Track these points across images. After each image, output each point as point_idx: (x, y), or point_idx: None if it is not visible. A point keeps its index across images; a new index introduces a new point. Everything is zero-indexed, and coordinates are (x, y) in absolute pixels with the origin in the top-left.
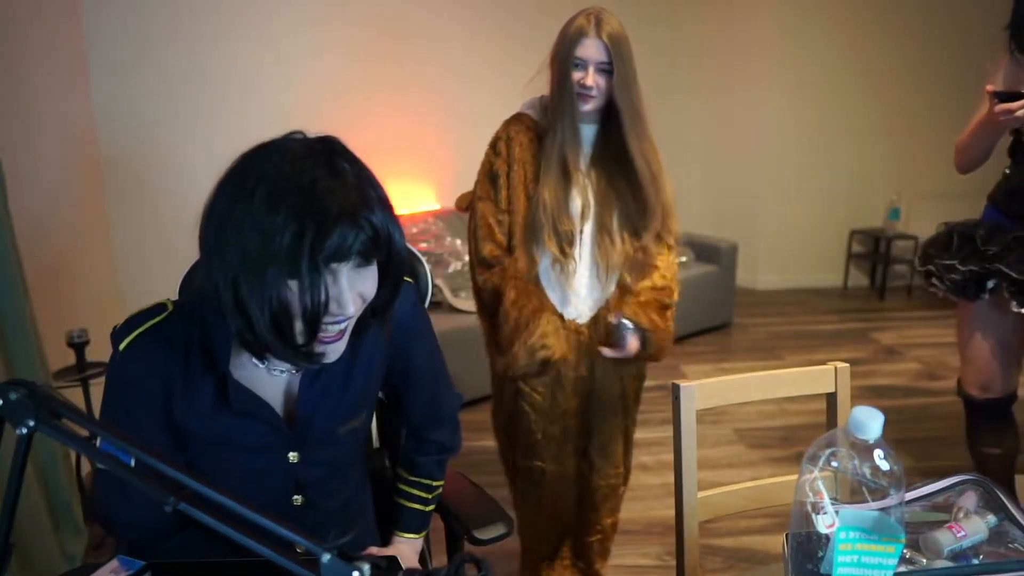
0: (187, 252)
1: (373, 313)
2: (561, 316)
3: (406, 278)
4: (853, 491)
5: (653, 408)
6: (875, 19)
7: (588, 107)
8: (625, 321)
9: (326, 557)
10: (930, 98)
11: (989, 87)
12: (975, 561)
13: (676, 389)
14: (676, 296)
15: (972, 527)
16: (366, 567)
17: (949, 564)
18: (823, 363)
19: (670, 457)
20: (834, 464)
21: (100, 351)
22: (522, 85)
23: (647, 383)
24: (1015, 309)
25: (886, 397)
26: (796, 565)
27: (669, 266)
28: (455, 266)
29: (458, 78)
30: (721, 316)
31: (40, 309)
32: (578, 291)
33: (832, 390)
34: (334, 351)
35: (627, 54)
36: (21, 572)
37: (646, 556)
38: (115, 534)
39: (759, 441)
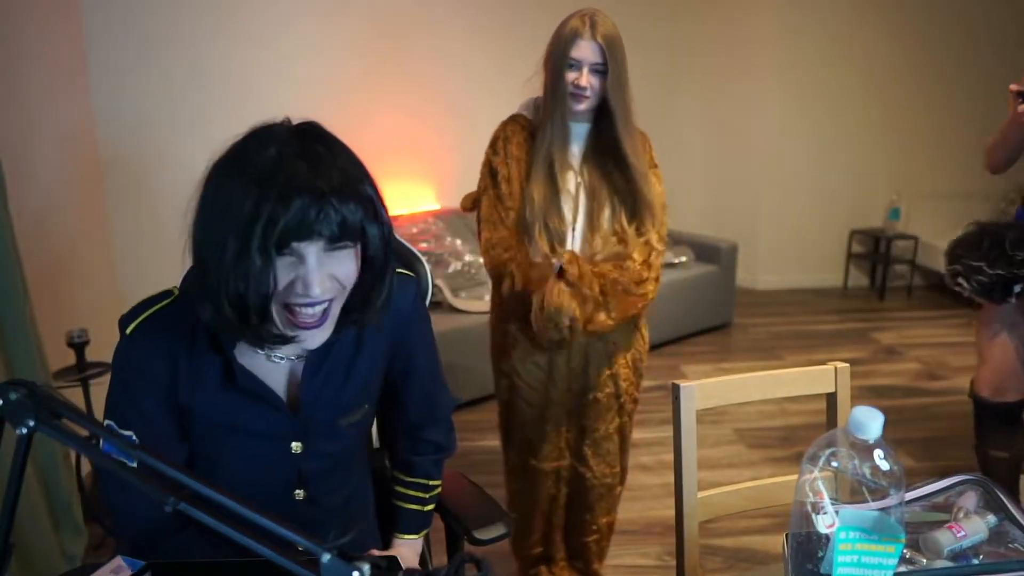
0: (187, 251)
1: (364, 304)
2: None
3: (407, 272)
4: (853, 491)
5: (653, 408)
6: (875, 19)
7: (582, 107)
8: (554, 261)
9: (326, 557)
10: (930, 98)
11: (1013, 86)
12: (975, 561)
13: (676, 389)
14: (649, 289)
15: (972, 527)
16: (366, 567)
17: (949, 564)
18: (823, 363)
19: (670, 457)
20: (834, 464)
21: (100, 351)
22: (523, 85)
23: (647, 383)
24: None
25: (886, 397)
26: (796, 565)
27: (645, 259)
28: (455, 266)
29: (459, 77)
30: (721, 316)
31: (40, 309)
32: None
33: (832, 390)
34: (312, 337)
35: (620, 55)
36: (21, 572)
37: (646, 556)
38: (119, 532)
39: (759, 441)
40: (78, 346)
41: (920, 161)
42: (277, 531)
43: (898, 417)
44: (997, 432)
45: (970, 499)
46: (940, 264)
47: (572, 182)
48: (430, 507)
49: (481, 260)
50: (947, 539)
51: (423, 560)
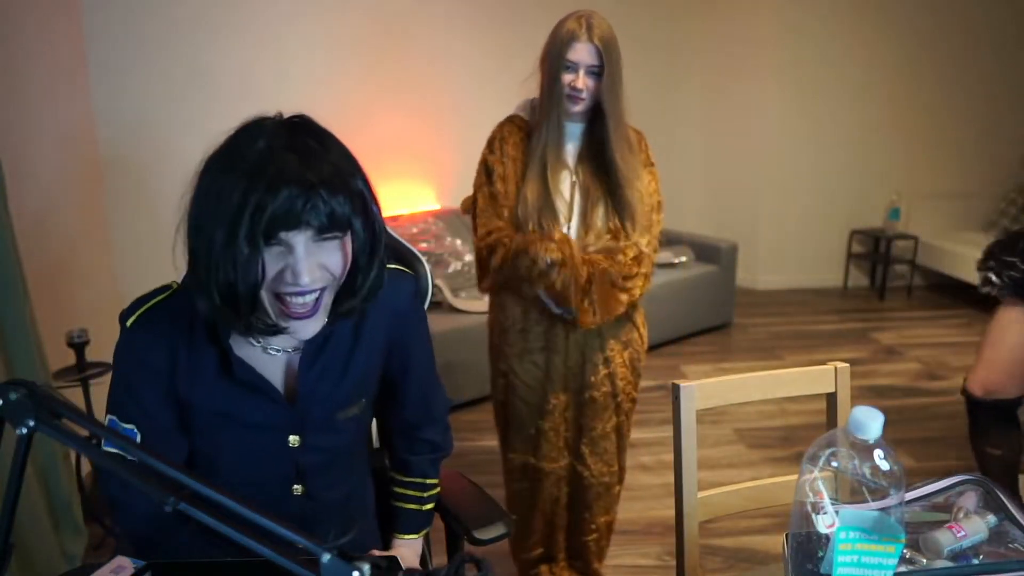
0: (182, 244)
1: (353, 294)
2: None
3: (404, 269)
4: (853, 491)
5: (653, 408)
6: (876, 19)
7: (578, 108)
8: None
9: (326, 557)
10: (930, 98)
11: None
12: (975, 561)
13: (676, 389)
14: (636, 284)
15: (972, 527)
16: (366, 567)
17: (949, 564)
18: (823, 363)
19: (670, 457)
20: (834, 464)
21: (100, 351)
22: (520, 85)
23: (647, 383)
24: None
25: (886, 397)
26: (796, 565)
27: (635, 255)
28: (455, 266)
29: (459, 78)
30: (721, 316)
31: (40, 309)
32: None
33: (832, 390)
34: (304, 327)
35: (616, 56)
36: (21, 572)
37: (646, 556)
38: (120, 528)
39: (759, 441)
40: (78, 346)
41: (920, 161)
42: (277, 531)
43: (898, 417)
44: (992, 428)
45: (970, 499)
46: (940, 264)
47: (567, 181)
48: (428, 507)
49: None
50: (947, 539)
51: (423, 560)
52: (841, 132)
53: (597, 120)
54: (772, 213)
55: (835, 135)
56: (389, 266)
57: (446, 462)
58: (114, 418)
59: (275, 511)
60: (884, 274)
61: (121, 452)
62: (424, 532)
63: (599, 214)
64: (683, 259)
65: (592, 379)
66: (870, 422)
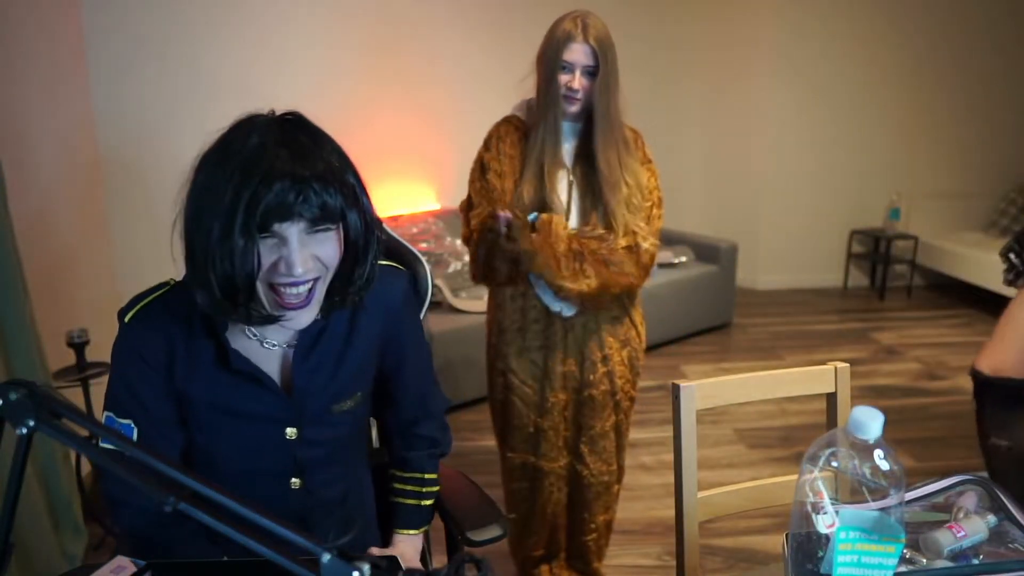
0: (178, 239)
1: (347, 285)
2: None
3: (397, 266)
4: (853, 491)
5: (653, 408)
6: (876, 19)
7: (574, 109)
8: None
9: (326, 557)
10: (931, 98)
11: None
12: (975, 561)
13: (676, 389)
14: (629, 271)
15: (972, 527)
16: (366, 567)
17: (949, 564)
18: (823, 363)
19: (670, 457)
20: (834, 464)
21: (100, 351)
22: (517, 86)
23: (648, 383)
24: None
25: (886, 397)
26: (796, 565)
27: (629, 245)
28: (455, 266)
29: (459, 77)
30: (721, 316)
31: (40, 309)
32: None
33: (832, 390)
34: (298, 316)
35: (612, 57)
36: (21, 572)
37: (646, 556)
38: (117, 525)
39: (759, 441)
40: (78, 346)
41: (920, 161)
42: (277, 531)
43: (898, 417)
44: (999, 414)
45: (970, 499)
46: (940, 264)
47: (564, 181)
48: (427, 503)
49: None
50: (947, 539)
51: (423, 558)
52: (841, 132)
53: (592, 120)
54: (772, 213)
55: (835, 135)
56: (382, 263)
57: (446, 461)
58: (111, 415)
59: (274, 506)
60: (884, 274)
61: (117, 449)
62: (424, 529)
63: (599, 212)
64: (683, 259)
65: (591, 378)
66: (870, 422)
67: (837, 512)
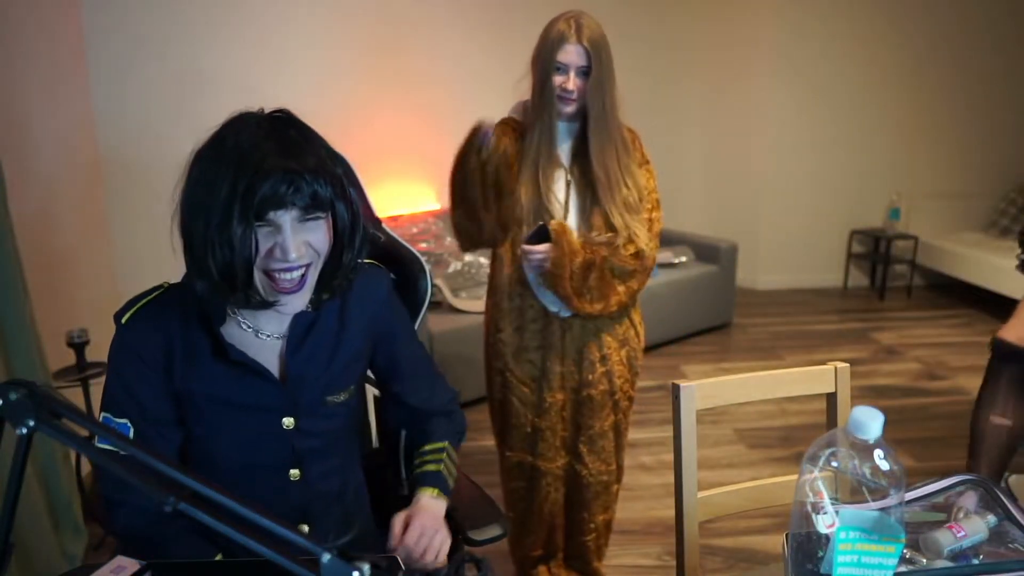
0: (175, 234)
1: (336, 270)
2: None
3: (377, 264)
4: (853, 491)
5: (653, 408)
6: (876, 19)
7: (569, 109)
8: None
9: (326, 557)
10: (930, 98)
11: None
12: (975, 561)
13: (676, 389)
14: (635, 279)
15: (972, 527)
16: (366, 567)
17: (949, 564)
18: (823, 363)
19: (670, 457)
20: (834, 464)
21: (100, 351)
22: (513, 86)
23: (647, 383)
24: None
25: (886, 397)
26: (796, 565)
27: (634, 252)
28: (455, 266)
29: (459, 78)
30: (721, 316)
31: (40, 309)
32: None
33: (832, 390)
34: (291, 301)
35: (606, 57)
36: (21, 572)
37: (646, 556)
38: (114, 525)
39: (759, 441)
40: (78, 346)
41: (920, 161)
42: (277, 531)
43: (898, 417)
44: (1008, 392)
45: (970, 499)
46: (940, 264)
47: (561, 181)
48: (446, 469)
49: (481, 260)
50: (947, 539)
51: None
52: (841, 132)
53: (588, 120)
54: (772, 213)
55: (835, 135)
56: (364, 260)
57: None
58: (108, 415)
59: (274, 499)
60: (884, 274)
61: (114, 448)
62: (446, 497)
63: (598, 211)
64: (683, 259)
65: (589, 377)
66: (870, 422)
67: (837, 512)
